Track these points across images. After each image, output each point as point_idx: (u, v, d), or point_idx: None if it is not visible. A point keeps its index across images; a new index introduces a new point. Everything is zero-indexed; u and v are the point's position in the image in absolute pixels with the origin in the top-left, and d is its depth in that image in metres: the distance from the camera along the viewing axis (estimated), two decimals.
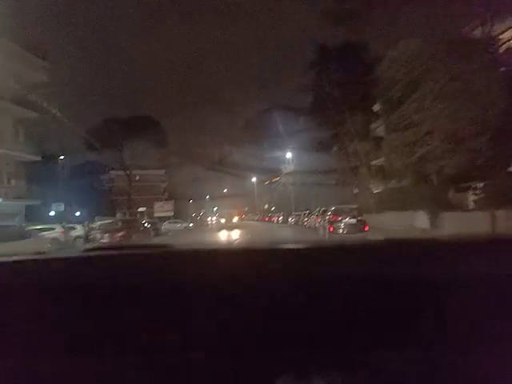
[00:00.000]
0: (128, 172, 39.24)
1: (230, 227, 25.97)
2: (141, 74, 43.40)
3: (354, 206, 13.53)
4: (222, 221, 31.05)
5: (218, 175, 36.17)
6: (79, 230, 19.37)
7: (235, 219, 30.56)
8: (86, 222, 20.52)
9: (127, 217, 30.81)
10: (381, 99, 16.11)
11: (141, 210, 33.59)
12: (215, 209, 40.69)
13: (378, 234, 10.85)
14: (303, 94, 32.98)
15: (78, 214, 25.99)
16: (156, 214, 36.36)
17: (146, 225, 18.27)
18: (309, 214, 24.52)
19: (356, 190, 28.12)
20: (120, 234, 14.15)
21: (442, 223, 12.72)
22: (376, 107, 28.24)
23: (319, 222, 15.70)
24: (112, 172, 41.67)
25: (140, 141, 35.70)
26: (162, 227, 29.59)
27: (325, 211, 15.33)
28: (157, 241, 18.43)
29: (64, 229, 18.38)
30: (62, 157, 32.23)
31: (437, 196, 12.92)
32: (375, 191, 25.95)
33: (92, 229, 18.30)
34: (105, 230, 15.60)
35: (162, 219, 33.60)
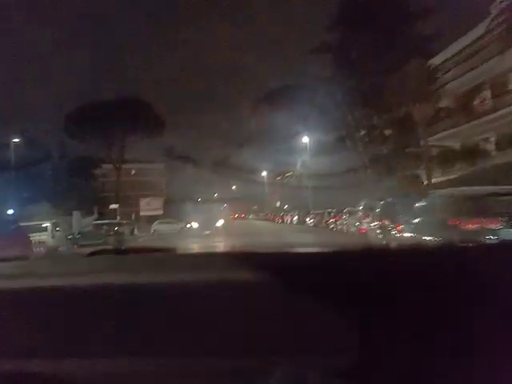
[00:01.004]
0: (117, 165, 34.92)
1: (207, 238, 14.52)
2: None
3: None
4: (195, 226, 19.31)
5: (226, 172, 30.11)
6: None
7: (220, 222, 20.08)
8: None
9: (93, 216, 23.71)
10: None
11: (112, 207, 26.54)
12: (224, 206, 36.96)
13: None
14: (324, 60, 25.23)
15: (10, 212, 19.01)
16: (142, 213, 32.57)
17: (26, 235, 10.26)
18: (336, 213, 18.73)
19: (389, 182, 20.00)
20: None
21: None
22: (437, 60, 20.11)
23: (379, 228, 7.75)
24: (105, 166, 37.34)
25: (131, 128, 31.25)
26: (152, 229, 26.06)
27: (392, 205, 7.34)
28: None
29: None
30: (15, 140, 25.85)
31: None
32: (435, 180, 17.94)
33: None
34: None
35: (152, 219, 28.84)
